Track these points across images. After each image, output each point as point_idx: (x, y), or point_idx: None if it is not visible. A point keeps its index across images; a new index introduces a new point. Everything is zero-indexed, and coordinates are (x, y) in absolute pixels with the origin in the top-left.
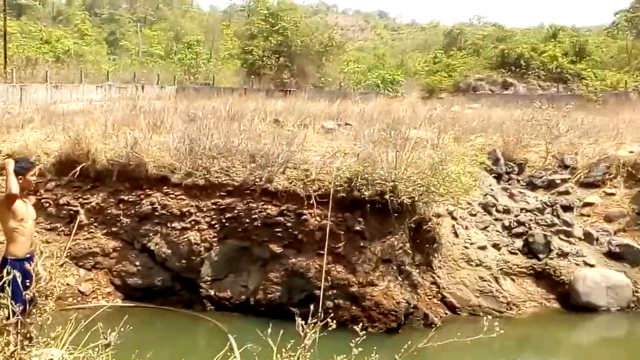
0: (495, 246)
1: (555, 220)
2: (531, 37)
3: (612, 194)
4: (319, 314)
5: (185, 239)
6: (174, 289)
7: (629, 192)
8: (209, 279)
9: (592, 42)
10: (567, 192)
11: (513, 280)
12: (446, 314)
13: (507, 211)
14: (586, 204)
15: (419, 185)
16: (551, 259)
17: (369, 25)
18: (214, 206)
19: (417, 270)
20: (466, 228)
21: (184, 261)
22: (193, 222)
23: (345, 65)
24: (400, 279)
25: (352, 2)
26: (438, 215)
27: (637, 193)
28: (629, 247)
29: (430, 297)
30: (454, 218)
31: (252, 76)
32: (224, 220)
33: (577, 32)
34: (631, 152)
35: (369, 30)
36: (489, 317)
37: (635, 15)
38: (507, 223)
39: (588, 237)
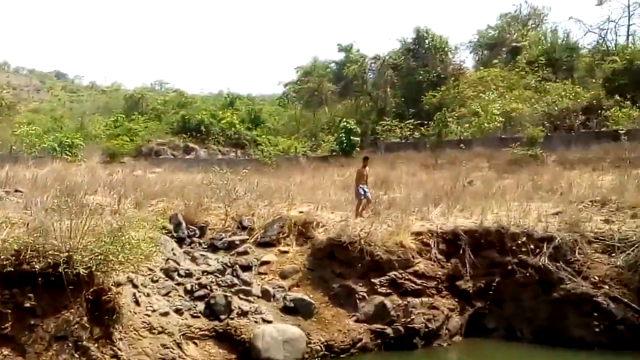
0: (178, 311)
1: (235, 280)
2: (211, 104)
3: (286, 252)
4: None
5: None
6: None
7: (300, 249)
8: None
9: (266, 110)
10: (245, 253)
11: (196, 344)
12: None
13: (189, 275)
14: (263, 263)
15: (97, 254)
16: (232, 319)
17: (45, 86)
18: None
19: (96, 345)
20: (148, 295)
21: None
22: None
23: (18, 127)
24: (77, 356)
25: (26, 61)
26: (118, 284)
27: (307, 250)
28: (302, 301)
29: None
30: (135, 286)
31: None
32: None
33: (252, 100)
34: (301, 212)
35: (46, 91)
36: None
37: (301, 87)
38: (189, 287)
39: (265, 295)
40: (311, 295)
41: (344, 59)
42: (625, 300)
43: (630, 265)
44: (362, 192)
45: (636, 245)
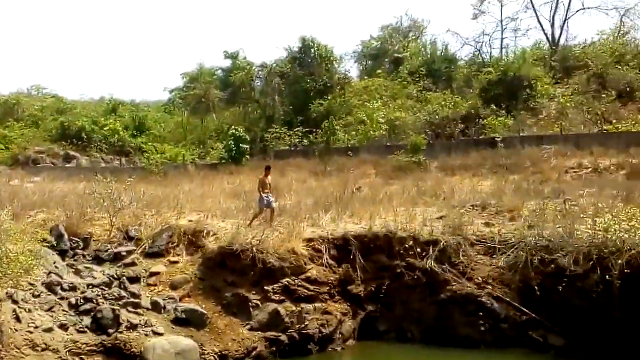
0: (63, 327)
1: (123, 293)
2: (92, 110)
3: (176, 262)
4: None
5: None
6: None
7: (191, 259)
8: None
9: (152, 117)
10: (133, 264)
11: None
12: None
13: (73, 289)
14: (152, 274)
15: None
16: (121, 332)
17: None
18: None
19: None
20: (29, 311)
21: None
22: None
23: None
24: None
25: None
26: None
27: (198, 259)
28: (194, 312)
29: None
30: (15, 302)
31: None
32: None
33: (136, 107)
34: (191, 220)
35: None
36: None
37: (188, 94)
38: (74, 301)
39: (156, 307)
40: (203, 306)
41: (231, 66)
42: (508, 300)
43: (510, 266)
44: (267, 201)
45: (515, 247)
